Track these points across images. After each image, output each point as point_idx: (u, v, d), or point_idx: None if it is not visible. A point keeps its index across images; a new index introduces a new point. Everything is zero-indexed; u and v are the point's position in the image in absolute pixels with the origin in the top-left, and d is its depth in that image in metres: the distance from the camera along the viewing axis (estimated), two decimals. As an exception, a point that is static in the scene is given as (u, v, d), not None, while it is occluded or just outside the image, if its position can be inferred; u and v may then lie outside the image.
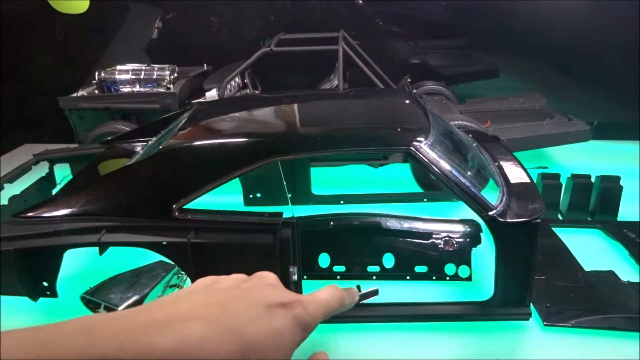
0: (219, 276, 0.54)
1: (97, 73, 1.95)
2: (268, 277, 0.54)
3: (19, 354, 0.38)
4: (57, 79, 2.37)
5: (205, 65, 2.23)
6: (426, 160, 0.94)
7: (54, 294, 0.97)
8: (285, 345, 0.47)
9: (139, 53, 2.39)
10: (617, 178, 1.40)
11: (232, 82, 2.00)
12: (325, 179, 1.63)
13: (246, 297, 0.48)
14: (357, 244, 1.19)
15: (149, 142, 1.22)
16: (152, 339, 0.41)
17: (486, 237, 1.10)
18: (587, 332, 0.98)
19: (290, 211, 0.96)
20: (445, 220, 1.22)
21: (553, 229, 1.35)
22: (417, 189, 1.62)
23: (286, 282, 0.89)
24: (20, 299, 0.96)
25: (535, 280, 0.94)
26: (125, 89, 1.96)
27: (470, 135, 1.30)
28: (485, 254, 1.17)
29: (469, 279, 1.15)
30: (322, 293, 0.56)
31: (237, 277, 0.54)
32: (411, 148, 0.95)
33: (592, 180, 1.42)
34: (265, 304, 0.48)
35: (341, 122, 1.14)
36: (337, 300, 0.57)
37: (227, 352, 0.43)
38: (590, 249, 1.28)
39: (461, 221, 1.21)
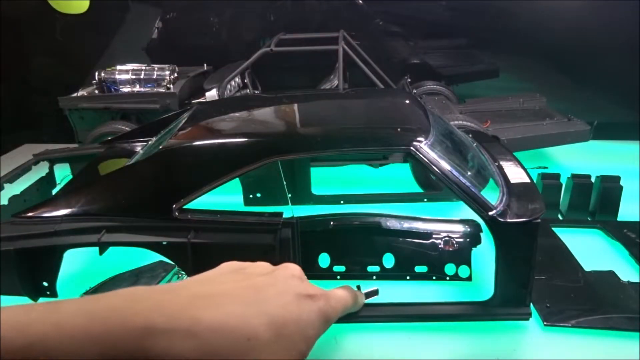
0: (244, 262, 0.54)
1: (97, 73, 1.95)
2: (293, 269, 0.55)
3: (67, 324, 0.39)
4: (57, 79, 2.37)
5: (205, 65, 2.23)
6: (426, 160, 0.94)
7: (54, 294, 0.97)
8: (310, 335, 0.48)
9: (139, 53, 2.39)
10: (617, 178, 1.40)
11: (232, 82, 2.00)
12: (325, 179, 1.63)
13: (276, 284, 0.50)
14: (357, 244, 1.19)
15: (149, 142, 1.22)
16: (197, 313, 0.43)
17: (486, 237, 1.10)
18: (587, 332, 0.98)
19: (290, 211, 0.97)
20: (445, 220, 1.22)
21: (553, 229, 1.35)
22: (417, 189, 1.62)
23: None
24: (20, 299, 0.96)
25: (535, 280, 0.94)
26: (125, 89, 1.96)
27: (470, 135, 1.30)
28: (485, 254, 1.17)
29: (469, 279, 1.15)
30: (340, 291, 0.57)
31: (263, 265, 0.55)
32: (411, 148, 0.95)
33: (592, 180, 1.42)
34: (294, 293, 0.49)
35: (341, 122, 1.14)
36: (353, 299, 0.59)
37: (262, 333, 0.44)
38: (590, 249, 1.28)
39: (461, 221, 1.21)
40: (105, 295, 0.44)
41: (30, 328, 0.38)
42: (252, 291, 0.47)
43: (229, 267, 0.53)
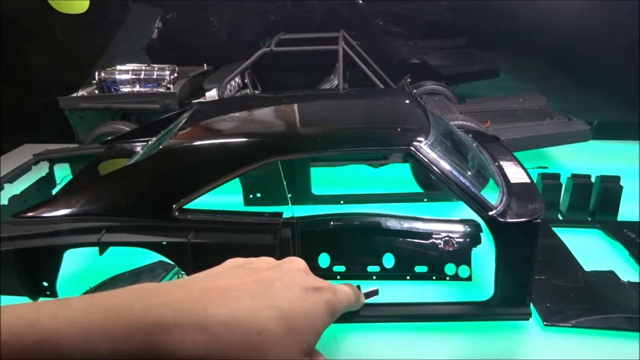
0: (248, 258, 0.54)
1: (97, 73, 1.95)
2: (298, 262, 0.55)
3: (79, 320, 0.39)
4: (57, 79, 2.37)
5: (205, 65, 2.23)
6: (426, 160, 0.94)
7: (54, 294, 0.97)
8: (317, 328, 0.48)
9: (139, 53, 2.39)
10: (617, 178, 1.40)
11: (232, 82, 2.00)
12: (325, 179, 1.63)
13: (282, 277, 0.50)
14: (357, 244, 1.19)
15: (149, 142, 1.22)
16: (207, 307, 0.43)
17: (486, 237, 1.10)
18: (587, 332, 0.98)
19: (290, 211, 0.97)
20: (445, 220, 1.22)
21: (553, 229, 1.35)
22: (417, 189, 1.62)
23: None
24: (20, 299, 0.96)
25: (535, 280, 0.94)
26: (125, 89, 1.96)
27: (470, 135, 1.30)
28: (485, 254, 1.17)
29: (469, 279, 1.15)
30: (344, 286, 0.57)
31: (268, 260, 0.55)
32: (411, 148, 0.95)
33: (592, 180, 1.42)
34: (301, 287, 0.49)
35: (341, 122, 1.14)
36: (356, 296, 0.59)
37: (272, 327, 0.44)
38: (590, 249, 1.28)
39: (461, 221, 1.21)
40: (117, 292, 0.44)
41: (41, 324, 0.38)
42: (260, 285, 0.47)
43: (234, 263, 0.54)
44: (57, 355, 0.37)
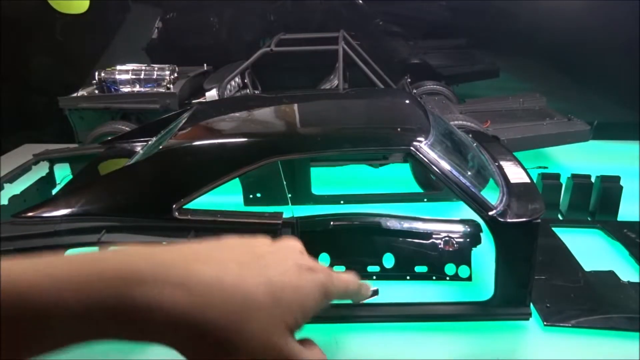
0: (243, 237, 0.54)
1: (97, 73, 1.95)
2: (295, 242, 0.54)
3: (51, 272, 0.39)
4: (57, 79, 2.38)
5: (205, 65, 2.23)
6: (426, 160, 0.94)
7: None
8: (308, 307, 0.47)
9: (139, 53, 2.39)
10: (617, 178, 1.40)
11: (232, 82, 2.00)
12: (325, 179, 1.63)
13: (277, 252, 0.49)
14: (357, 244, 1.18)
15: (149, 142, 1.22)
16: (192, 266, 0.42)
17: (486, 237, 1.10)
18: (587, 332, 0.98)
19: (290, 211, 0.97)
20: (445, 220, 1.22)
21: (553, 229, 1.35)
22: (417, 189, 1.62)
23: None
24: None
25: (535, 280, 0.94)
26: (125, 89, 1.96)
27: (470, 135, 1.30)
28: (485, 254, 1.17)
29: (469, 279, 1.14)
30: (344, 273, 0.56)
31: (264, 238, 0.54)
32: (411, 148, 0.95)
33: (592, 180, 1.42)
34: (295, 263, 0.49)
35: (341, 122, 1.14)
36: (355, 285, 0.58)
37: (259, 296, 0.43)
38: (590, 249, 1.28)
39: (461, 221, 1.21)
40: (99, 252, 0.44)
41: (20, 278, 0.38)
42: (252, 256, 0.47)
43: (229, 238, 0.53)
44: (33, 311, 0.37)
